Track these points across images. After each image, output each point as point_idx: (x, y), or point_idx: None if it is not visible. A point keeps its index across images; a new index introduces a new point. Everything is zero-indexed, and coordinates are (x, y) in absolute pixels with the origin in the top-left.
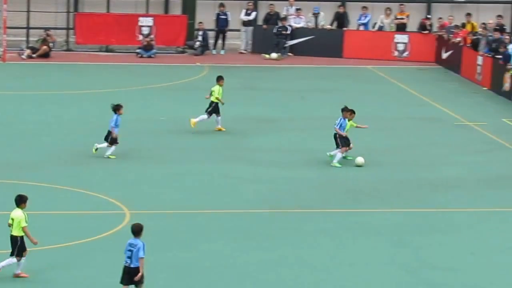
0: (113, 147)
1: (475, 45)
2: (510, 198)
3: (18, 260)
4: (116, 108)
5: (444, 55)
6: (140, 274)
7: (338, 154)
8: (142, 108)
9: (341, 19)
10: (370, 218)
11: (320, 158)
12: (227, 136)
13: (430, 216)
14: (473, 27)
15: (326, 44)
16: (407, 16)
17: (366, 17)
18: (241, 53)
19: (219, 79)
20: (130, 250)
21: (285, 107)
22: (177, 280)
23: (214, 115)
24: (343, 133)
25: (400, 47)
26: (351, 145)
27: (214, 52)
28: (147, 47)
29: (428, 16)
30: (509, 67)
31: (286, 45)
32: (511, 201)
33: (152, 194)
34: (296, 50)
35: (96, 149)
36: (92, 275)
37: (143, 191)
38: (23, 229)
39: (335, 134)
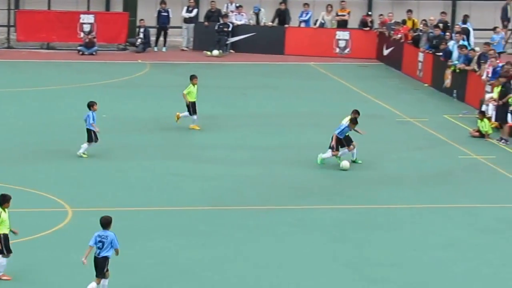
0: (86, 145)
1: (416, 42)
2: (451, 194)
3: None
4: (90, 105)
5: (385, 52)
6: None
7: (346, 151)
8: (84, 106)
9: (282, 16)
10: (312, 215)
11: (262, 155)
12: (171, 133)
13: (372, 212)
14: (414, 23)
15: (267, 41)
16: (348, 13)
17: (307, 14)
18: (183, 50)
19: (192, 77)
20: (101, 241)
21: (227, 104)
22: (120, 278)
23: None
24: (333, 141)
25: (342, 43)
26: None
27: (155, 49)
28: (89, 44)
29: (369, 13)
30: (450, 63)
31: (228, 42)
32: (452, 197)
33: (94, 191)
34: (238, 47)
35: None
36: (34, 273)
37: (85, 188)
38: None
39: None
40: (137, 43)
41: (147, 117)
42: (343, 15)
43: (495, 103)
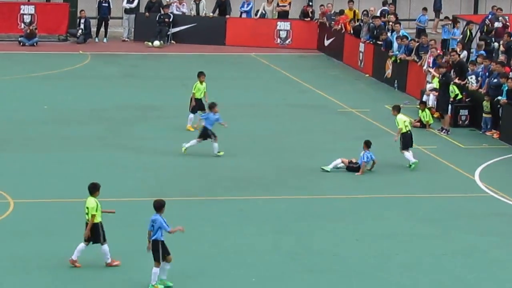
0: None
1: (357, 32)
2: (392, 184)
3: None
4: None
5: (326, 42)
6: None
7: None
8: (25, 97)
9: (223, 7)
10: (253, 206)
11: (203, 146)
12: (111, 123)
13: (313, 203)
14: (355, 14)
15: (208, 31)
16: (289, 4)
17: (248, 4)
18: (124, 41)
19: (199, 75)
20: (152, 226)
21: (168, 95)
22: (60, 270)
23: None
24: (363, 170)
25: (283, 34)
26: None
27: (96, 40)
28: (29, 35)
29: (310, 3)
30: (390, 54)
31: (169, 32)
32: (393, 187)
33: (36, 183)
34: (179, 38)
35: None
36: None
37: (27, 180)
38: (92, 218)
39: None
40: (78, 34)
41: (88, 108)
42: (284, 6)
43: (436, 94)
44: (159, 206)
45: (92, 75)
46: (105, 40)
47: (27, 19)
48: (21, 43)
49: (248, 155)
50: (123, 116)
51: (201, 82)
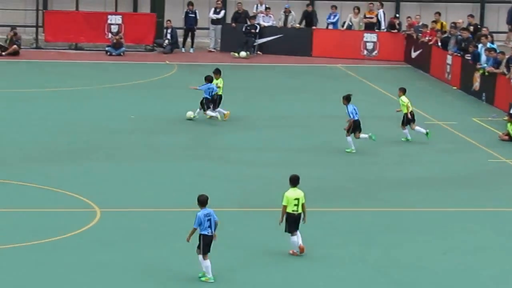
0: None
1: (444, 44)
2: (480, 198)
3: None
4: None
5: (413, 54)
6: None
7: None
8: (112, 107)
9: (309, 18)
10: (339, 217)
11: (290, 156)
12: (197, 133)
13: (400, 215)
14: (442, 26)
15: (295, 42)
16: (376, 15)
17: (335, 16)
18: (210, 51)
19: (214, 72)
20: (208, 220)
21: (254, 106)
22: (148, 278)
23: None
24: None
25: (369, 46)
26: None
27: (183, 50)
28: (116, 45)
29: (397, 15)
30: (478, 66)
31: (255, 43)
32: (481, 201)
33: (122, 192)
34: (265, 49)
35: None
36: (62, 273)
37: (114, 189)
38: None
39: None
40: (165, 44)
41: (174, 118)
42: (371, 18)
43: None
44: (207, 200)
45: (178, 85)
46: (191, 50)
47: (114, 29)
48: (108, 53)
49: (334, 167)
50: (209, 126)
51: (216, 79)
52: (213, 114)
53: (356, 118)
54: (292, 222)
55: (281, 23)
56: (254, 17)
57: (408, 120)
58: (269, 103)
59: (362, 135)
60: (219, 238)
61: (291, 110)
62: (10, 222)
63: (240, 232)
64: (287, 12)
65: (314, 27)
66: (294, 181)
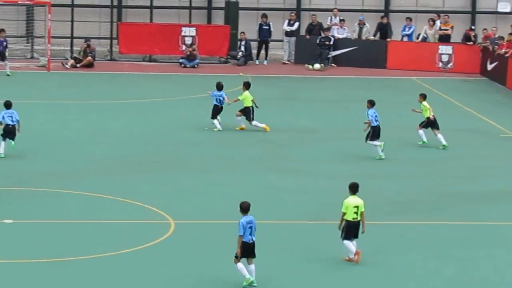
0: None
1: None
2: None
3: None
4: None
5: (489, 67)
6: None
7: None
8: (185, 118)
9: (384, 30)
10: (414, 231)
11: (364, 168)
12: (270, 145)
13: (477, 228)
14: None
15: (369, 55)
16: (451, 27)
17: (410, 28)
18: (284, 63)
19: (243, 84)
20: (250, 227)
21: (329, 118)
22: None
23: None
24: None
25: (444, 58)
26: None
27: (257, 62)
28: (190, 57)
29: (472, 27)
30: None
31: (329, 55)
32: None
33: (196, 204)
34: (339, 61)
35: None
36: (136, 285)
37: (188, 201)
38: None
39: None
40: (238, 56)
41: (248, 130)
42: (446, 30)
43: None
44: (249, 206)
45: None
46: (265, 62)
47: (188, 41)
48: (182, 65)
49: (408, 179)
50: (282, 138)
51: (244, 90)
52: (217, 125)
53: (375, 124)
54: (351, 230)
55: (355, 35)
56: (328, 29)
57: (429, 124)
58: (343, 115)
59: (375, 142)
60: (294, 250)
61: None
62: (85, 233)
63: (314, 244)
64: (361, 24)
65: (388, 39)
66: (354, 189)
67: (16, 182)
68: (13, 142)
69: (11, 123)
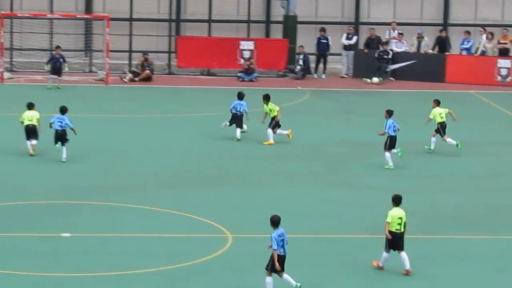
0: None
1: None
2: None
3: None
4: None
5: None
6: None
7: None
8: (244, 132)
9: (442, 44)
10: (472, 245)
11: (422, 183)
12: (328, 159)
13: None
14: None
15: (428, 68)
16: (510, 41)
17: (468, 42)
18: (342, 77)
19: (263, 97)
20: (282, 240)
21: None
22: None
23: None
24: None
25: (503, 72)
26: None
27: (315, 76)
28: (248, 71)
29: None
30: None
31: (388, 69)
32: None
33: (254, 218)
34: (398, 75)
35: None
36: None
37: (245, 215)
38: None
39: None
40: (297, 69)
41: (307, 144)
42: (505, 43)
43: None
44: (280, 220)
45: (310, 111)
46: (323, 76)
47: (246, 54)
48: (240, 79)
49: (467, 193)
50: (341, 152)
51: (266, 104)
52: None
53: (393, 134)
54: (394, 241)
55: (414, 49)
56: (387, 43)
57: (440, 129)
58: (401, 129)
59: (393, 150)
60: (351, 264)
61: (423, 135)
62: (143, 247)
63: (371, 259)
64: (420, 38)
65: (447, 53)
66: (397, 201)
67: (73, 195)
68: (58, 145)
69: (59, 128)
